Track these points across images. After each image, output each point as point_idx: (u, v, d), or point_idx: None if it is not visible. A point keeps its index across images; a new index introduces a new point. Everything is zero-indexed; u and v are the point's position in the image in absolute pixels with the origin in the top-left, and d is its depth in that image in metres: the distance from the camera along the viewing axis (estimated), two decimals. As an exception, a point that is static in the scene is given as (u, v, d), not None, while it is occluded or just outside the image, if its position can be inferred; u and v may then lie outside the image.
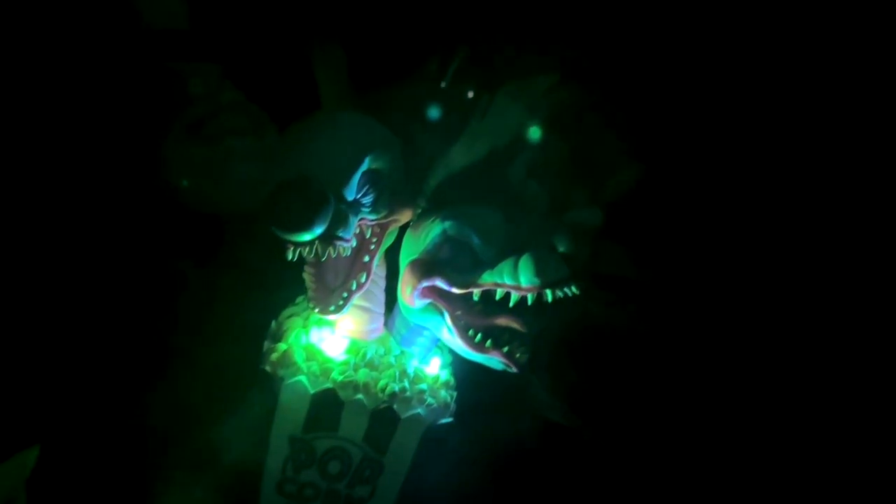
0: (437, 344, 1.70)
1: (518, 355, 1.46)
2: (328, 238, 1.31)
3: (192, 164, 1.74)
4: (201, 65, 1.79)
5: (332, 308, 1.48)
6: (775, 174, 1.85)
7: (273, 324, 1.69)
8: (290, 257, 1.35)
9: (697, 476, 1.91)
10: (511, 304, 1.41)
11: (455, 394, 1.65)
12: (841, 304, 1.88)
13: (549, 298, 1.37)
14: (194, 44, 1.79)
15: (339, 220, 1.32)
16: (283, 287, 1.80)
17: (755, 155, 1.84)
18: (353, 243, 1.42)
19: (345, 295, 1.49)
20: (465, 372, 1.74)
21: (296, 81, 1.70)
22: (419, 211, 1.58)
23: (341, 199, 1.35)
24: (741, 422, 1.92)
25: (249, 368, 1.66)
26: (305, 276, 1.50)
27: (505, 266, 1.39)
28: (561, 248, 1.48)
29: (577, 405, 1.94)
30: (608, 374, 1.91)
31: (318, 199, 1.25)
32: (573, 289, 1.39)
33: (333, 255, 1.36)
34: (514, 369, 1.47)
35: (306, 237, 1.27)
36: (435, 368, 1.67)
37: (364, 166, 1.39)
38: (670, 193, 1.80)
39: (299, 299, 1.79)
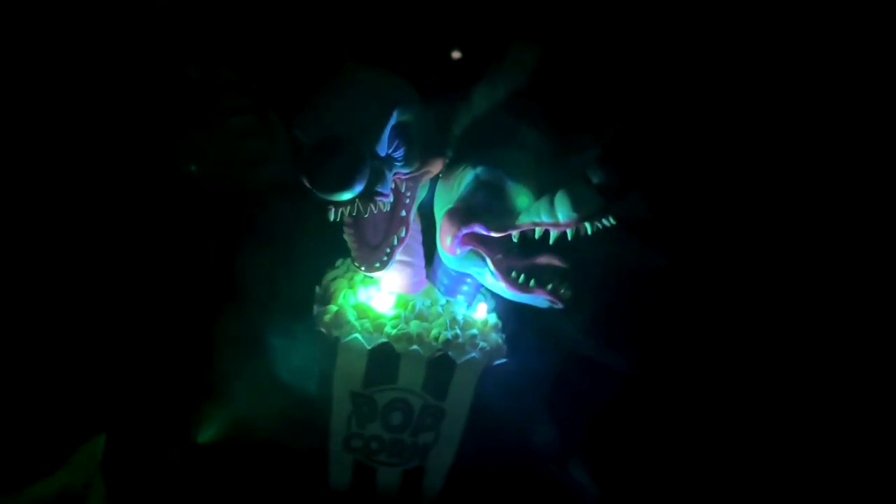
0: (481, 290, 1.73)
1: (562, 291, 1.48)
2: (368, 195, 1.33)
3: (201, 149, 1.76)
4: (195, 48, 1.78)
5: (377, 265, 1.50)
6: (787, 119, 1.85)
7: (318, 288, 1.73)
8: (332, 218, 1.37)
9: (717, 405, 1.97)
10: (551, 242, 1.43)
11: (504, 335, 1.68)
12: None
13: (589, 232, 1.38)
14: (187, 29, 1.79)
15: (377, 176, 1.34)
16: (318, 254, 1.86)
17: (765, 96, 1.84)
18: (391, 198, 1.44)
19: (387, 251, 1.51)
20: (505, 313, 1.78)
21: (292, 58, 1.72)
22: (448, 161, 1.59)
23: (375, 155, 1.36)
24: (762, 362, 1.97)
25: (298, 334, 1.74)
26: (346, 237, 1.53)
27: (541, 204, 1.40)
28: (595, 180, 1.49)
29: (609, 341, 2.00)
30: (635, 310, 1.96)
31: (355, 157, 1.26)
32: (610, 220, 1.40)
33: (375, 212, 1.38)
34: (559, 305, 1.49)
35: (347, 196, 1.29)
36: (482, 313, 1.70)
37: (392, 120, 1.39)
38: (677, 133, 1.82)
39: (339, 262, 1.82)
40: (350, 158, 1.26)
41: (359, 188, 1.29)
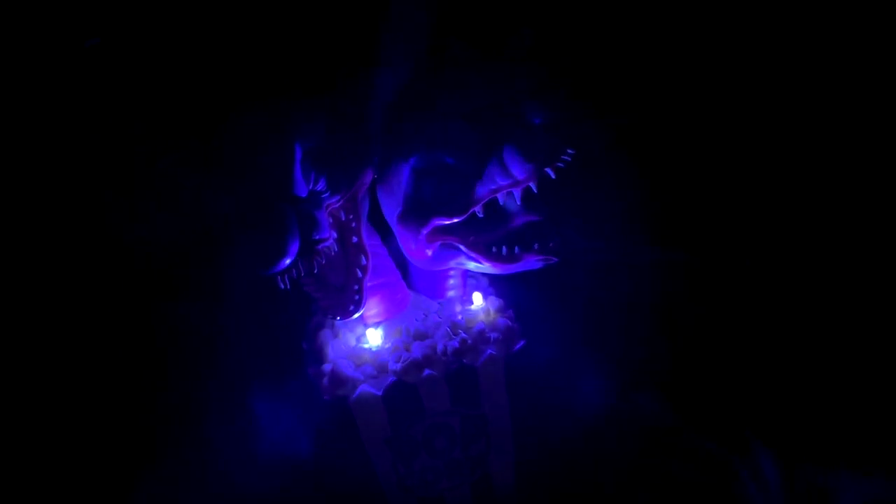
0: (470, 276, 1.59)
1: (550, 246, 1.34)
2: (308, 248, 1.17)
3: (134, 210, 1.59)
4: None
5: (350, 308, 1.36)
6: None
7: (305, 345, 1.58)
8: (282, 286, 1.21)
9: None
10: (519, 203, 1.29)
11: (512, 312, 1.55)
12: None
13: (553, 177, 1.23)
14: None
15: (309, 223, 1.17)
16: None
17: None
18: (334, 236, 1.27)
19: (356, 287, 1.35)
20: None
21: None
22: (377, 163, 1.42)
23: (296, 201, 1.19)
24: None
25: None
26: (308, 289, 1.37)
27: (493, 168, 1.25)
28: (537, 121, 1.33)
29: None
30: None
31: (276, 221, 1.10)
32: (569, 152, 1.25)
33: (324, 262, 1.22)
34: (554, 260, 1.35)
35: (288, 260, 1.13)
36: (480, 300, 1.55)
37: (298, 155, 1.21)
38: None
39: (315, 305, 1.67)
40: (271, 226, 1.09)
41: (294, 249, 1.12)
